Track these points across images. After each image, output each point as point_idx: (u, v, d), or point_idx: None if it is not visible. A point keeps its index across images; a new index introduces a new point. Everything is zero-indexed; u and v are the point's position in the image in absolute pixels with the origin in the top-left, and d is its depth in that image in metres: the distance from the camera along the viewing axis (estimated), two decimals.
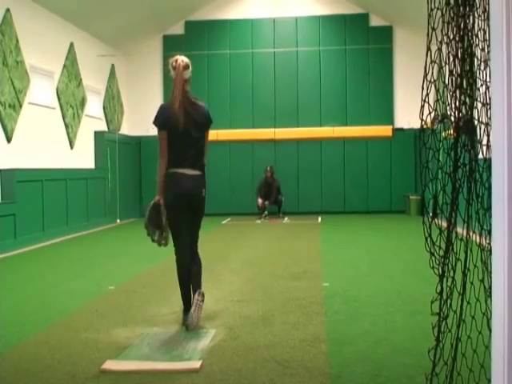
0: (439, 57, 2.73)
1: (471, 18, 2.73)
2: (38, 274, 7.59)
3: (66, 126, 12.49)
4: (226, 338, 4.45)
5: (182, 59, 4.76)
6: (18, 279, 7.26)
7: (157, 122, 4.82)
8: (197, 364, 3.84)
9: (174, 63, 4.75)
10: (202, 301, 4.86)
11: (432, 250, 2.77)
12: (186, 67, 4.76)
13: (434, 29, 2.65)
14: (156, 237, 4.84)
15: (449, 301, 2.77)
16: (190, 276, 4.80)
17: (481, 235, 2.80)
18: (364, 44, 15.87)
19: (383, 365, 3.79)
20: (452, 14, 2.72)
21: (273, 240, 10.81)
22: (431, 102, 2.73)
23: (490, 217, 2.36)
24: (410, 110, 14.91)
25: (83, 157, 13.27)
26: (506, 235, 2.11)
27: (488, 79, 2.68)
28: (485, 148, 2.76)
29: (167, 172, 4.77)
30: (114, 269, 7.71)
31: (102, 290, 6.30)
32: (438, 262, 2.79)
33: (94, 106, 14.12)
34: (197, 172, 4.81)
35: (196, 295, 4.78)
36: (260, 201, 14.87)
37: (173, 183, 4.76)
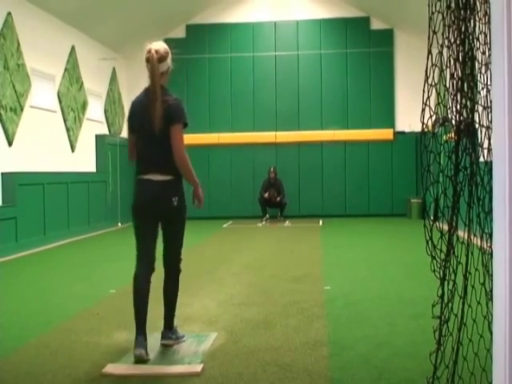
0: (440, 60, 2.73)
1: (472, 21, 2.73)
2: (39, 278, 7.59)
3: (67, 130, 12.50)
4: (227, 342, 4.44)
5: (155, 49, 4.10)
6: (19, 282, 7.26)
7: (127, 121, 4.34)
8: (198, 368, 3.84)
9: (146, 55, 4.11)
10: (174, 343, 4.34)
11: (433, 254, 2.77)
12: (162, 59, 4.12)
13: (434, 32, 2.65)
14: None
15: (450, 304, 2.77)
16: (145, 294, 4.09)
17: (482, 238, 2.80)
18: (365, 47, 15.88)
19: (384, 368, 3.78)
20: (453, 18, 2.72)
21: (274, 243, 10.81)
22: (432, 106, 2.74)
23: (491, 220, 2.35)
24: (411, 113, 14.89)
25: (84, 160, 13.27)
26: (507, 238, 2.11)
27: (489, 82, 2.68)
28: (486, 151, 2.76)
29: (135, 179, 4.22)
30: (115, 272, 7.71)
31: (103, 294, 6.29)
32: (439, 266, 2.79)
33: (96, 109, 14.13)
34: (166, 177, 4.13)
35: (166, 333, 4.32)
36: (267, 194, 14.86)
37: (136, 191, 4.19)
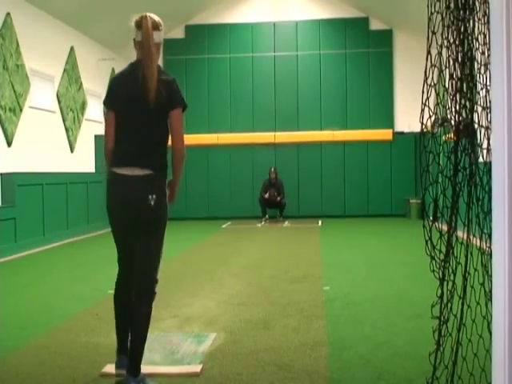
0: (439, 60, 2.73)
1: (471, 21, 2.73)
2: (38, 278, 7.59)
3: (67, 130, 12.50)
4: (227, 342, 4.44)
5: (150, 15, 3.53)
6: (19, 283, 7.25)
7: (106, 99, 3.62)
8: (197, 368, 3.84)
9: (138, 20, 3.51)
10: None
11: (432, 254, 2.77)
12: (156, 27, 3.52)
13: (434, 32, 2.65)
14: None
15: (449, 304, 2.77)
16: (127, 312, 3.55)
17: (481, 239, 2.80)
18: (364, 48, 15.89)
19: (384, 369, 3.78)
20: (452, 18, 2.72)
21: (273, 244, 10.81)
22: (431, 106, 2.74)
23: (491, 220, 2.36)
24: (410, 113, 14.88)
25: (83, 160, 13.27)
26: (507, 239, 2.11)
27: (488, 83, 2.69)
28: (485, 151, 2.76)
29: (109, 172, 3.54)
30: (114, 273, 7.67)
31: (102, 294, 6.29)
32: (438, 266, 2.79)
33: (95, 109, 14.13)
34: (145, 171, 3.42)
35: (129, 381, 3.39)
36: (267, 194, 14.87)
37: (109, 191, 3.55)
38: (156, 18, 3.58)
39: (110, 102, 3.58)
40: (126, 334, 3.59)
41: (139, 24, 3.49)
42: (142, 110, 3.43)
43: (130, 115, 3.48)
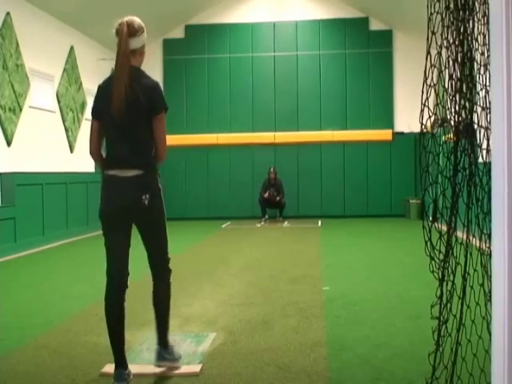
0: (439, 61, 2.73)
1: (471, 22, 2.73)
2: (37, 278, 7.59)
3: (66, 130, 12.49)
4: (226, 342, 4.44)
5: (127, 22, 3.54)
6: (18, 283, 7.25)
7: (92, 109, 3.69)
8: (197, 368, 3.84)
9: (116, 27, 3.56)
10: (170, 365, 3.84)
11: (432, 254, 2.77)
12: (133, 33, 3.54)
13: (433, 33, 2.65)
14: None
15: (449, 305, 2.77)
16: (118, 316, 3.68)
17: (481, 239, 2.80)
18: (364, 48, 15.89)
19: (383, 369, 3.78)
20: (452, 18, 2.72)
21: (273, 244, 10.81)
22: (431, 106, 2.74)
23: (490, 221, 2.36)
24: (409, 113, 14.90)
25: (83, 160, 13.23)
26: (506, 239, 2.11)
27: (488, 83, 2.69)
28: (484, 152, 2.76)
29: (102, 175, 3.66)
30: None
31: (101, 294, 6.27)
32: (437, 266, 2.79)
33: None
34: (135, 172, 3.51)
35: (161, 353, 3.81)
36: (267, 194, 14.87)
37: (102, 192, 3.66)
38: (136, 23, 3.59)
39: (93, 113, 3.65)
40: (122, 345, 3.63)
41: (117, 31, 3.55)
42: (122, 118, 3.48)
43: (112, 123, 3.53)
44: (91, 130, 3.66)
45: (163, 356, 3.82)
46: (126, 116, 3.47)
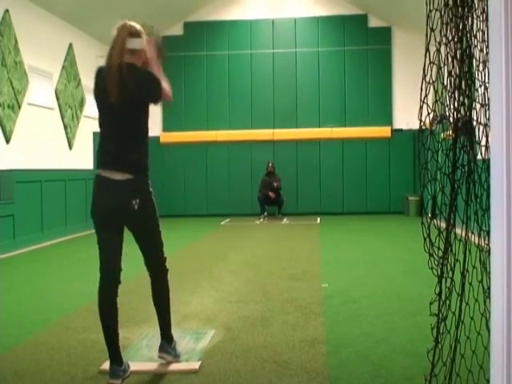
0: (438, 58, 2.73)
1: (470, 18, 2.73)
2: (36, 275, 7.59)
3: (65, 127, 12.48)
4: (225, 339, 4.45)
5: (130, 24, 3.58)
6: (17, 280, 7.25)
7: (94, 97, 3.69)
8: (196, 365, 3.84)
9: (118, 26, 3.58)
10: (177, 356, 3.91)
11: (431, 251, 2.77)
12: (133, 34, 3.55)
13: (432, 30, 2.65)
14: None
15: (448, 302, 2.77)
16: (112, 313, 3.67)
17: (479, 236, 2.80)
18: (363, 45, 15.88)
19: (382, 366, 3.79)
20: (451, 15, 2.72)
21: (272, 241, 10.81)
22: (430, 103, 2.74)
23: (489, 217, 2.36)
24: (408, 110, 14.90)
25: (82, 157, 13.26)
26: (505, 236, 2.11)
27: (487, 80, 2.69)
28: (483, 149, 2.76)
29: (95, 174, 3.62)
30: None
31: None
32: (436, 263, 2.79)
33: (93, 106, 14.06)
34: (126, 176, 3.50)
35: (166, 347, 3.87)
36: (271, 194, 14.87)
37: (93, 191, 3.62)
38: (137, 26, 3.61)
39: (95, 97, 3.69)
40: (116, 341, 3.64)
41: (117, 28, 3.58)
42: (112, 109, 3.50)
43: (105, 115, 3.60)
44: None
45: (166, 349, 3.87)
46: (120, 111, 3.49)
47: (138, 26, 3.62)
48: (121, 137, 3.53)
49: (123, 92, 3.45)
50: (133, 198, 3.50)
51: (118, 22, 3.61)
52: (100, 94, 3.58)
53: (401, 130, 15.71)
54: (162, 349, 3.88)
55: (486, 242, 2.67)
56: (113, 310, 3.66)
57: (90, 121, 13.78)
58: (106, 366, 3.78)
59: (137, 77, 3.52)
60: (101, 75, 3.61)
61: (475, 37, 2.76)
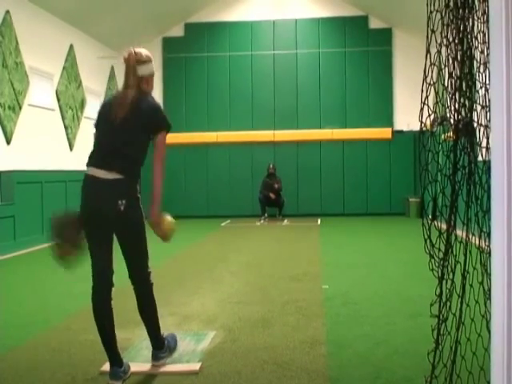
0: (439, 59, 2.73)
1: (471, 20, 2.73)
2: (37, 276, 7.58)
3: (66, 128, 12.49)
4: (226, 340, 4.45)
5: (135, 51, 3.72)
6: (18, 281, 7.25)
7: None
8: (196, 366, 3.84)
9: (125, 56, 3.72)
10: (170, 354, 3.94)
11: (431, 253, 2.77)
12: (141, 61, 3.69)
13: (433, 31, 2.65)
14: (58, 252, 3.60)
15: (448, 303, 2.77)
16: (107, 316, 3.62)
17: (480, 237, 2.80)
18: (364, 46, 15.88)
19: (382, 367, 3.78)
20: (451, 17, 2.72)
21: (272, 242, 10.80)
22: (431, 105, 2.74)
23: (490, 219, 2.35)
24: (409, 112, 14.87)
25: (83, 158, 13.11)
26: (506, 237, 2.11)
27: (487, 81, 2.69)
28: (484, 150, 2.76)
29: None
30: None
31: None
32: (437, 265, 2.79)
33: (94, 107, 14.10)
34: (114, 175, 3.50)
35: (157, 354, 3.86)
36: (272, 195, 14.87)
37: (82, 190, 3.62)
38: (143, 53, 3.74)
39: (95, 124, 3.77)
40: (114, 344, 3.64)
41: (125, 58, 3.72)
42: (110, 119, 3.58)
43: (105, 125, 3.64)
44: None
45: (159, 356, 3.86)
46: (122, 121, 3.55)
47: (143, 52, 3.75)
48: (119, 141, 3.57)
49: (133, 113, 3.56)
50: (119, 199, 3.47)
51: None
52: (105, 110, 3.69)
53: (401, 132, 15.71)
54: (154, 357, 3.87)
55: (487, 243, 2.66)
56: (107, 313, 3.61)
57: (90, 122, 13.72)
58: (107, 367, 3.78)
59: (153, 115, 3.65)
60: (108, 103, 3.73)
61: (476, 38, 2.76)
